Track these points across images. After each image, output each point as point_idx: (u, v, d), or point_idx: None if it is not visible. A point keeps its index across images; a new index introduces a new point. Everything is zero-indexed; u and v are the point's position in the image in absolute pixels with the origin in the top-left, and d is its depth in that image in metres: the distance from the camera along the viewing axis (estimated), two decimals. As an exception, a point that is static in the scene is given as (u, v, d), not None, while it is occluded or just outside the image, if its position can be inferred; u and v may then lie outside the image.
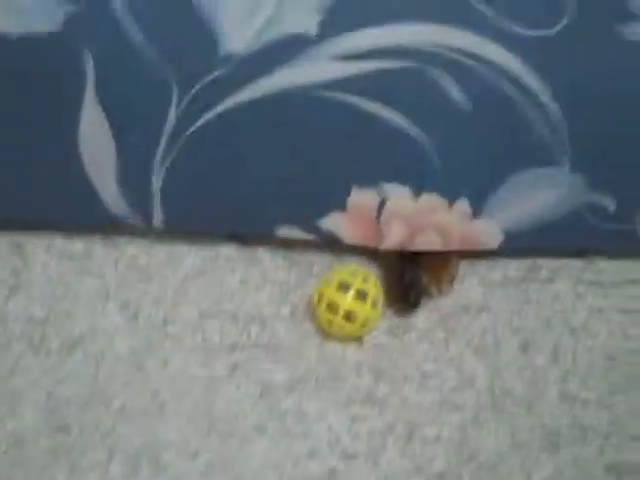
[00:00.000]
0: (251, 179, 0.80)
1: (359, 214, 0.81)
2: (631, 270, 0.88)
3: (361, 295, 0.80)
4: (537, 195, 0.79)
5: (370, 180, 0.79)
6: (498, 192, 0.79)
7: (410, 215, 0.81)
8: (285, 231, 0.85)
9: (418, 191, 0.80)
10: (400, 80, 0.74)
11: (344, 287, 0.79)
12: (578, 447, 0.79)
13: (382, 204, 0.81)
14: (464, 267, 0.88)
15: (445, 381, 0.82)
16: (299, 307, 0.85)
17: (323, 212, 0.82)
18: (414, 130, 0.75)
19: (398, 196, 0.79)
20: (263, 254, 0.89)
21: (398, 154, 0.77)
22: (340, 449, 0.78)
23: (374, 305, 0.81)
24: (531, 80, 0.73)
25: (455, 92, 0.73)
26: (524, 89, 0.73)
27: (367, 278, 0.81)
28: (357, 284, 0.79)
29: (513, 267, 0.88)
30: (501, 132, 0.75)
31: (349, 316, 0.79)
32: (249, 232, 0.88)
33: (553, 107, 0.74)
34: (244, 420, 0.80)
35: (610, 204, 0.79)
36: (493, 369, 0.83)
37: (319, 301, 0.80)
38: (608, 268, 0.88)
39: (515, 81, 0.73)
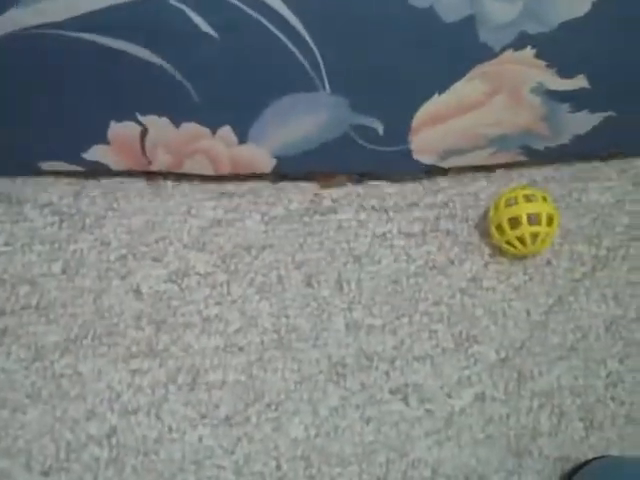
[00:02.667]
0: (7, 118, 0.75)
1: (122, 144, 0.79)
2: (412, 193, 0.87)
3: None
4: (300, 118, 0.77)
5: (126, 114, 0.76)
6: (260, 118, 0.76)
7: (173, 143, 0.79)
8: (50, 165, 0.81)
9: (177, 121, 0.76)
10: (139, 13, 0.68)
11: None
12: (364, 374, 0.78)
13: (144, 134, 0.78)
14: (244, 205, 0.85)
15: (228, 324, 0.80)
16: (71, 263, 0.80)
17: (85, 147, 0.79)
18: (162, 62, 0.71)
19: (158, 126, 0.76)
20: (30, 211, 0.83)
21: (151, 87, 0.73)
22: (120, 406, 0.75)
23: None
24: (277, 4, 0.69)
25: (200, 21, 0.69)
26: (271, 13, 0.69)
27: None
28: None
29: (295, 200, 0.85)
30: (254, 58, 0.72)
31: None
32: (14, 168, 0.83)
33: (302, 30, 0.71)
34: (16, 388, 0.75)
35: (378, 127, 0.77)
36: (278, 307, 0.81)
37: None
38: (389, 193, 0.87)
39: (261, 5, 0.69)
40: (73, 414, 0.74)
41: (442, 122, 0.77)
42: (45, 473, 0.72)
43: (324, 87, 0.72)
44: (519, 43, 0.70)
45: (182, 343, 0.78)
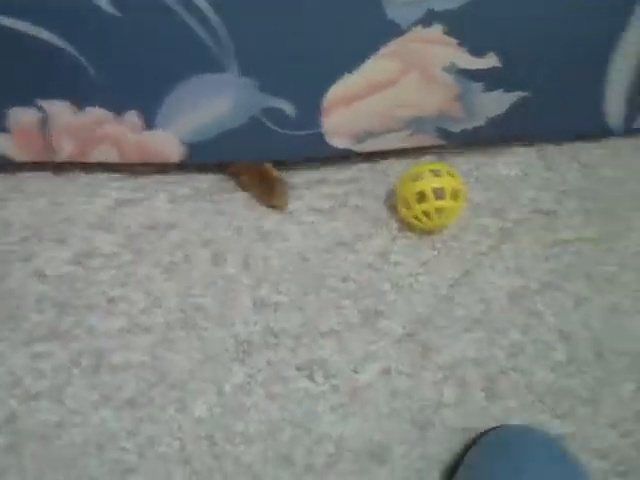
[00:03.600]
0: None
1: (23, 133, 0.77)
2: (321, 169, 0.87)
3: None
4: (208, 101, 0.76)
5: (26, 99, 0.73)
6: (166, 101, 0.75)
7: (77, 129, 0.78)
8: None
9: (80, 105, 0.74)
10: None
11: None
12: (271, 352, 0.78)
13: (45, 120, 0.76)
14: (151, 184, 0.84)
15: (133, 305, 0.79)
16: (-29, 247, 0.79)
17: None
18: (62, 43, 0.70)
19: (60, 112, 0.74)
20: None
21: (50, 69, 0.72)
22: (21, 391, 0.75)
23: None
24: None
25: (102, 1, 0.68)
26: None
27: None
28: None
29: (204, 179, 0.85)
30: (158, 39, 0.71)
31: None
32: None
33: (209, 11, 0.70)
34: None
35: (288, 109, 0.77)
36: (183, 286, 0.80)
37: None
38: (297, 170, 0.86)
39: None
40: (-28, 400, 0.73)
41: (353, 102, 0.77)
42: (-58, 460, 0.70)
43: (231, 68, 0.71)
44: (427, 20, 0.69)
45: (86, 325, 0.78)
